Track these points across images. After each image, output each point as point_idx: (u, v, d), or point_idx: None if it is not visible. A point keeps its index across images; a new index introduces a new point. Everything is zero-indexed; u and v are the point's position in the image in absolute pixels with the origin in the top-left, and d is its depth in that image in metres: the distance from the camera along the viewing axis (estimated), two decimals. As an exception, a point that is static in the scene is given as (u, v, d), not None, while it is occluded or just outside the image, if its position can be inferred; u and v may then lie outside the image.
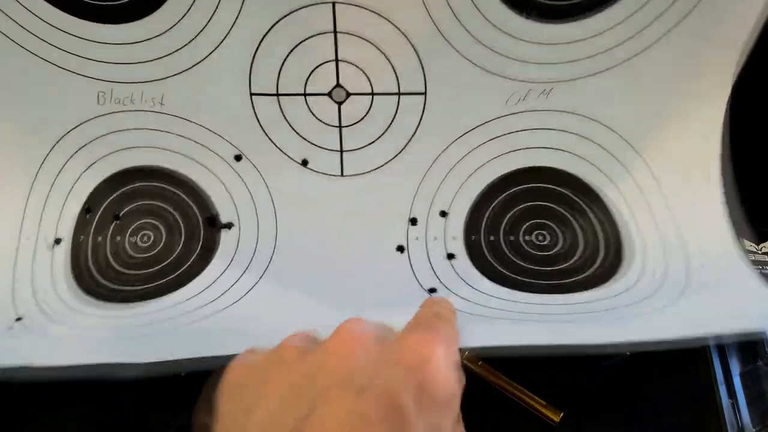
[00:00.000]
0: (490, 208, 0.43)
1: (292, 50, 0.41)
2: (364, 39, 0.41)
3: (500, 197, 0.43)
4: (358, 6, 0.39)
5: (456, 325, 0.25)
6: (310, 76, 0.42)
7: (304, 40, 0.41)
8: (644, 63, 0.40)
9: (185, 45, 0.40)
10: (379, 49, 0.41)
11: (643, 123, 0.42)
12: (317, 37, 0.41)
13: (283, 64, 0.41)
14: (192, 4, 0.39)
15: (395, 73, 0.42)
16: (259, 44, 0.41)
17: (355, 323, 0.22)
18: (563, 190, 0.43)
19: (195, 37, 0.40)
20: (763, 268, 0.37)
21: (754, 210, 0.39)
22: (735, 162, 0.40)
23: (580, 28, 0.40)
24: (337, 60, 0.41)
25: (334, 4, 0.39)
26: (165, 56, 0.41)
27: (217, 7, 0.39)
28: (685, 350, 0.30)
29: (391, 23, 0.40)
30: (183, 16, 0.39)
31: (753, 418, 0.34)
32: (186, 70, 0.41)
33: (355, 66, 0.42)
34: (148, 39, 0.40)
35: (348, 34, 0.40)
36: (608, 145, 0.43)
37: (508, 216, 0.43)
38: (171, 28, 0.40)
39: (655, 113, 0.41)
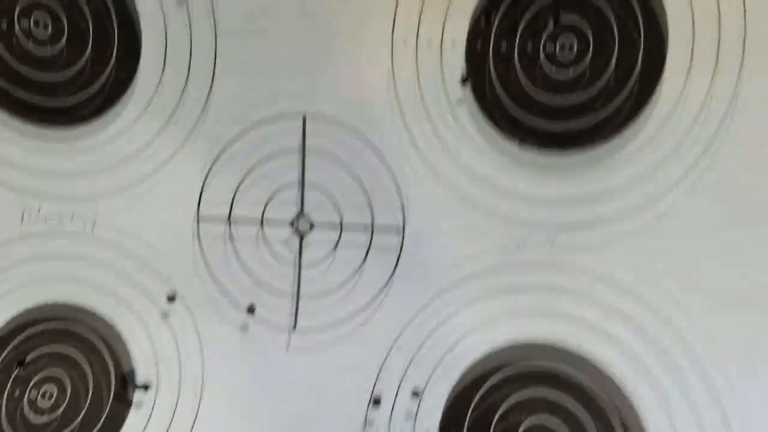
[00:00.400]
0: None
1: (251, 169, 0.34)
2: (335, 159, 0.33)
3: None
4: (331, 121, 0.33)
5: None
6: (270, 200, 0.34)
7: (266, 157, 0.34)
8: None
9: (132, 157, 0.34)
10: (351, 173, 0.33)
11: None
12: (282, 155, 0.34)
13: (240, 184, 0.34)
14: (146, 107, 0.34)
15: (369, 202, 0.33)
16: (215, 160, 0.34)
17: None
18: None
19: (145, 147, 0.34)
20: None
21: None
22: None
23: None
24: (303, 182, 0.34)
25: (304, 117, 0.33)
26: (106, 169, 0.35)
27: (173, 113, 0.34)
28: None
29: (368, 142, 0.33)
30: (135, 121, 0.34)
31: None
32: (127, 187, 0.35)
33: (323, 190, 0.34)
34: (89, 148, 0.35)
35: (318, 152, 0.33)
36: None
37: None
38: (120, 134, 0.34)
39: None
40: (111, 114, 0.34)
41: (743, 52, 0.31)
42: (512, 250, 0.33)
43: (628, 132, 0.32)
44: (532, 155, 0.33)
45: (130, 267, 0.35)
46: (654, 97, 0.32)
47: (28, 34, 0.32)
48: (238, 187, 0.34)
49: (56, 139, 0.34)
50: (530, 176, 0.33)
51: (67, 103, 0.34)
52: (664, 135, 0.32)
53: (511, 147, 0.33)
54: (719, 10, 0.30)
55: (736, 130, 0.31)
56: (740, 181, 0.31)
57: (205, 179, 0.34)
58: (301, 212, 0.34)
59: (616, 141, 0.32)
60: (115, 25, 0.32)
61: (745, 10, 0.30)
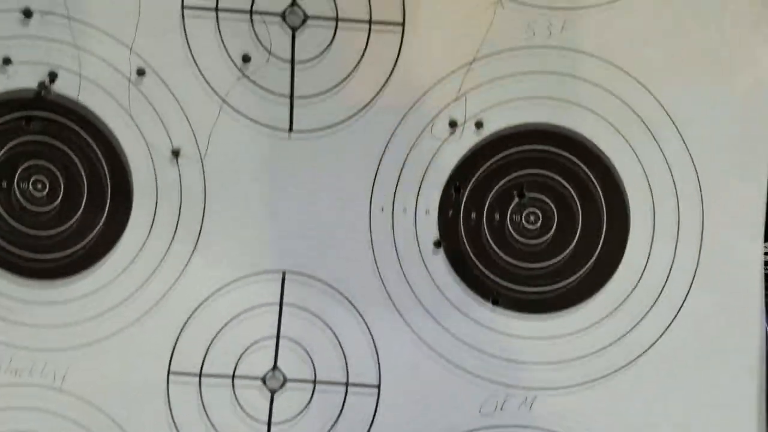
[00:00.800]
0: None
1: (226, 324, 0.35)
2: (312, 314, 0.34)
3: None
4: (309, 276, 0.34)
5: None
6: (242, 355, 0.34)
7: (243, 312, 0.35)
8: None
9: (107, 311, 0.35)
10: (328, 326, 0.34)
11: None
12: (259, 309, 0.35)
13: (213, 338, 0.34)
14: (127, 266, 0.35)
15: (344, 357, 0.34)
16: (191, 316, 0.35)
17: None
18: None
19: (120, 303, 0.35)
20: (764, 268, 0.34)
21: None
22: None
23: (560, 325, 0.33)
24: (278, 338, 0.34)
25: (284, 274, 0.34)
26: (80, 322, 0.35)
27: (154, 272, 0.35)
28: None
29: (347, 300, 0.34)
30: (115, 279, 0.35)
31: None
32: (99, 342, 0.35)
33: (299, 346, 0.34)
34: (67, 301, 0.35)
35: (295, 306, 0.34)
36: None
37: None
38: (98, 290, 0.35)
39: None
40: (93, 269, 0.35)
41: (702, 223, 0.33)
42: (489, 410, 0.33)
43: (597, 298, 0.34)
44: (505, 317, 0.34)
45: (98, 423, 0.34)
46: (619, 267, 0.34)
47: (26, 194, 0.34)
48: (211, 341, 0.34)
49: (34, 291, 0.35)
50: (504, 338, 0.34)
51: (53, 258, 0.34)
52: (630, 303, 0.34)
53: (486, 308, 0.34)
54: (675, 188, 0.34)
55: (698, 296, 0.33)
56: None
57: (179, 336, 0.34)
58: (274, 366, 0.34)
59: (582, 309, 0.34)
60: (109, 185, 0.34)
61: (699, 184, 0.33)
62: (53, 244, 0.34)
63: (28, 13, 0.32)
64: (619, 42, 0.31)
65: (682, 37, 0.31)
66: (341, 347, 0.34)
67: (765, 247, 0.34)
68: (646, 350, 0.33)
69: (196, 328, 0.34)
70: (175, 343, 0.34)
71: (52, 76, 0.33)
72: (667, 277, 0.34)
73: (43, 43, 0.32)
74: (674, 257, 0.33)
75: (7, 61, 0.32)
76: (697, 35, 0.31)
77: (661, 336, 0.33)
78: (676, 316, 0.33)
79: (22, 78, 0.33)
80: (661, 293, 0.34)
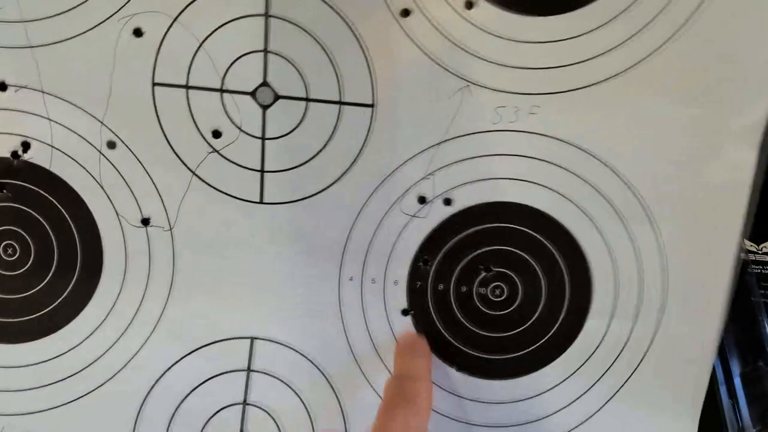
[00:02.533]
0: None
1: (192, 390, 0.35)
2: (281, 381, 0.35)
3: None
4: (278, 343, 0.35)
5: (425, 377, 0.31)
6: (210, 419, 0.35)
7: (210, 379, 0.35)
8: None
9: (72, 376, 0.35)
10: (296, 393, 0.35)
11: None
12: (227, 376, 0.35)
13: (179, 406, 0.35)
14: (92, 331, 0.35)
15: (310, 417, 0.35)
16: (156, 383, 0.35)
17: None
18: None
19: (85, 367, 0.35)
20: (763, 268, 0.34)
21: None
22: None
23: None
24: (245, 402, 0.35)
25: (252, 340, 0.35)
26: (44, 386, 0.35)
27: (120, 337, 0.35)
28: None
29: (316, 368, 0.35)
30: (80, 343, 0.35)
31: (753, 418, 0.34)
32: (63, 405, 0.35)
33: (265, 412, 0.35)
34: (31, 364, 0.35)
35: (263, 373, 0.35)
36: None
37: None
38: (64, 353, 0.35)
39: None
40: (59, 333, 0.35)
41: (663, 302, 0.34)
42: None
43: (554, 364, 0.35)
44: (470, 379, 0.35)
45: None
46: (578, 337, 0.35)
47: (-4, 259, 0.34)
48: (179, 405, 0.35)
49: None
50: (468, 402, 0.35)
51: (18, 321, 0.35)
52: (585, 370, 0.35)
53: (450, 372, 0.35)
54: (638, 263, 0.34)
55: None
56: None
57: (143, 402, 0.35)
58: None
59: (539, 375, 0.35)
60: (79, 250, 0.35)
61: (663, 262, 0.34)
62: (19, 308, 0.35)
63: (2, 87, 0.32)
64: (586, 126, 0.32)
65: (651, 126, 0.31)
66: (306, 408, 0.35)
67: (765, 246, 0.35)
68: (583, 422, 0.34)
69: (161, 396, 0.35)
70: (139, 411, 0.35)
71: (25, 146, 0.33)
72: (619, 353, 0.34)
73: (17, 115, 0.32)
74: (630, 336, 0.34)
75: (-21, 131, 0.33)
76: (668, 125, 0.31)
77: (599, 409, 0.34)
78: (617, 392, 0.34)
79: (-5, 147, 0.33)
80: (610, 367, 0.35)
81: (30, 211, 0.34)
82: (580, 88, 0.31)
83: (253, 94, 0.32)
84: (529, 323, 0.35)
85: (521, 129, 0.32)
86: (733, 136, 0.30)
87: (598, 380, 0.34)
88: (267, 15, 0.31)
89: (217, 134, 0.33)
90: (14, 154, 0.33)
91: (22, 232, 0.34)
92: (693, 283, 0.34)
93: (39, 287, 0.35)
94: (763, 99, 0.29)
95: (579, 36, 0.30)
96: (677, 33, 0.29)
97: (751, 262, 0.34)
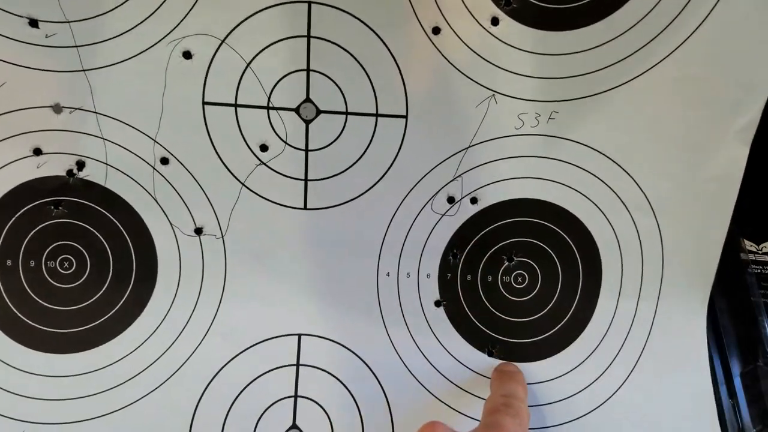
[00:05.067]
0: None
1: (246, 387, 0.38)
2: (328, 374, 0.38)
3: None
4: (323, 338, 0.38)
5: (525, 402, 0.34)
6: (262, 415, 0.38)
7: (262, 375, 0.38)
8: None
9: (122, 384, 0.37)
10: (343, 384, 0.38)
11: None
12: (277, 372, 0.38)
13: (233, 402, 0.37)
14: (144, 340, 0.37)
15: (359, 412, 0.38)
16: (210, 382, 0.37)
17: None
18: None
19: (140, 373, 0.37)
20: (763, 268, 0.36)
21: (754, 209, 0.37)
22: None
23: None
24: (296, 396, 0.38)
25: (300, 337, 0.38)
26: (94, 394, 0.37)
27: (174, 342, 0.37)
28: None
29: (356, 355, 0.38)
30: (140, 345, 0.37)
31: (753, 418, 0.35)
32: (114, 412, 0.37)
33: (315, 403, 0.38)
34: (91, 370, 0.37)
35: (311, 367, 0.38)
36: None
37: None
38: (115, 362, 0.37)
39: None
40: (116, 340, 0.37)
41: (661, 281, 0.38)
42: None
43: (571, 348, 0.39)
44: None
45: None
46: (593, 317, 0.39)
47: (54, 272, 0.36)
48: (233, 402, 0.37)
49: (53, 364, 0.37)
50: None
51: (75, 331, 0.37)
52: (600, 350, 0.39)
53: (483, 357, 0.39)
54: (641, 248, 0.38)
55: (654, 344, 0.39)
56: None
57: (198, 402, 0.37)
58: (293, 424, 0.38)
59: (562, 355, 0.39)
60: (134, 259, 0.37)
61: (662, 247, 0.38)
62: (76, 319, 0.37)
63: (57, 109, 0.34)
64: (598, 129, 0.36)
65: (658, 128, 0.35)
66: (353, 398, 0.38)
67: (765, 246, 0.38)
68: (610, 396, 0.38)
69: (216, 395, 0.37)
70: (195, 410, 0.37)
71: (80, 165, 0.35)
72: (629, 329, 0.39)
73: (72, 135, 0.34)
74: (635, 313, 0.38)
75: (37, 151, 0.34)
76: (672, 127, 0.35)
77: (623, 383, 0.38)
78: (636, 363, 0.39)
79: (51, 167, 0.35)
80: (624, 343, 0.39)
81: (85, 225, 0.36)
82: (594, 95, 0.35)
83: (297, 110, 0.35)
84: (549, 306, 0.39)
85: (541, 133, 0.36)
86: (729, 135, 0.35)
87: (616, 355, 0.38)
88: (309, 36, 0.34)
89: (264, 148, 0.35)
90: (69, 172, 0.35)
91: (78, 246, 0.36)
92: (687, 263, 0.38)
93: (95, 297, 0.37)
94: (757, 101, 0.34)
95: (592, 49, 0.34)
96: (680, 47, 0.33)
97: (751, 262, 0.37)
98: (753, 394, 0.36)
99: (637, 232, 0.38)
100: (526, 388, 0.36)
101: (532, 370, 0.39)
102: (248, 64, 0.34)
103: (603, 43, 0.34)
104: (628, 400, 0.38)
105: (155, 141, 0.35)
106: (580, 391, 0.38)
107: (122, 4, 0.33)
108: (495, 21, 0.34)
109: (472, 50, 0.34)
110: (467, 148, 0.36)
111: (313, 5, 0.33)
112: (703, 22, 0.33)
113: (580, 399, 0.38)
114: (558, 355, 0.39)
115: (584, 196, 0.37)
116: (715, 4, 0.33)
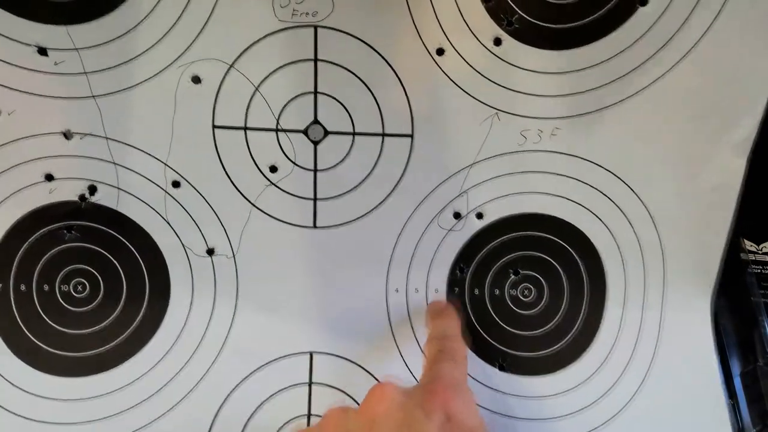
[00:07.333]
0: None
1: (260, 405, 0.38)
2: (340, 390, 0.38)
3: None
4: (335, 356, 0.38)
5: (458, 335, 0.35)
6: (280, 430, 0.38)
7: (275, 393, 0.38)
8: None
9: (136, 406, 0.38)
10: (356, 402, 0.38)
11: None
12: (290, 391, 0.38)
13: (248, 420, 0.38)
14: (157, 362, 0.37)
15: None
16: (225, 401, 0.38)
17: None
18: None
19: (153, 395, 0.38)
20: (763, 268, 0.36)
21: (754, 209, 0.37)
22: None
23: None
24: (309, 413, 0.38)
25: (311, 355, 0.38)
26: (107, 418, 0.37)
27: (191, 357, 0.38)
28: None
29: (367, 372, 0.38)
30: (154, 365, 0.38)
31: (753, 418, 0.35)
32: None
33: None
34: (107, 393, 0.38)
35: (323, 385, 0.38)
36: None
37: None
38: (128, 384, 0.38)
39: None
40: (129, 361, 0.37)
41: (664, 290, 0.39)
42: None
43: (581, 361, 0.39)
44: (513, 377, 0.39)
45: None
46: (599, 329, 0.39)
47: (67, 296, 0.37)
48: (247, 421, 0.38)
49: (69, 388, 0.37)
50: (512, 398, 0.39)
51: (89, 355, 0.37)
52: (611, 362, 0.39)
53: (494, 371, 0.39)
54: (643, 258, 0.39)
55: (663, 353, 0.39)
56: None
57: (214, 419, 0.38)
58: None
59: (573, 367, 0.39)
60: (147, 281, 0.37)
61: (663, 257, 0.39)
62: (91, 341, 0.37)
63: (68, 135, 0.34)
64: (599, 144, 0.37)
65: (657, 141, 0.36)
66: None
67: (765, 246, 0.39)
68: (625, 405, 0.39)
69: (230, 414, 0.38)
70: (210, 429, 0.37)
71: (92, 189, 0.35)
72: (637, 338, 0.39)
73: (83, 161, 0.35)
74: (641, 321, 0.39)
75: (49, 177, 0.35)
76: (671, 140, 0.36)
77: (636, 392, 0.39)
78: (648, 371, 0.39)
79: (63, 192, 0.35)
80: (633, 353, 0.39)
81: (98, 248, 0.36)
82: (594, 111, 0.36)
83: (305, 131, 0.36)
84: (556, 319, 0.39)
85: (544, 149, 0.37)
86: (727, 147, 0.36)
87: (626, 366, 0.39)
88: (316, 59, 0.34)
89: (273, 169, 0.36)
90: (81, 197, 0.35)
91: (92, 269, 0.37)
92: (689, 272, 0.39)
93: (109, 320, 0.37)
94: (754, 115, 0.35)
95: (592, 66, 0.35)
96: (677, 64, 0.34)
97: (751, 262, 0.38)
98: (753, 394, 0.37)
99: (639, 243, 0.38)
100: (458, 320, 0.37)
101: (545, 383, 0.39)
102: (257, 88, 0.35)
103: (603, 61, 0.35)
104: (642, 410, 0.39)
105: (166, 165, 0.35)
106: (592, 403, 0.39)
107: (131, 30, 0.33)
108: (497, 41, 0.34)
109: (475, 70, 0.35)
110: (472, 164, 0.37)
111: (319, 29, 0.34)
112: (700, 39, 0.34)
113: (593, 411, 0.39)
114: (569, 367, 0.39)
115: (586, 209, 0.38)
116: (713, 22, 0.34)
